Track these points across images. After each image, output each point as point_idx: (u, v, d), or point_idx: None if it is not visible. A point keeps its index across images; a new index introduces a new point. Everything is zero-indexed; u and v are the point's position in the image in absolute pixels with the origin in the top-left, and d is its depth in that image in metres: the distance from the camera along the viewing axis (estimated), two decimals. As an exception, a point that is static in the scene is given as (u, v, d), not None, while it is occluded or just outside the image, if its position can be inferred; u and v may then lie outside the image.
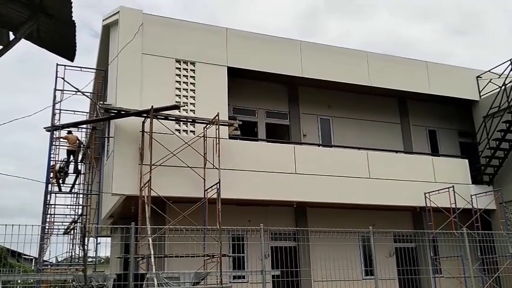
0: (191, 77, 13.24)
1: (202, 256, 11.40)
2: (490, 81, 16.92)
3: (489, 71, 17.23)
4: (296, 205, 14.20)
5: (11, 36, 4.78)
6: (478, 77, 17.48)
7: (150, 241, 10.67)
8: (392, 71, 16.23)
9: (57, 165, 14.01)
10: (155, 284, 9.46)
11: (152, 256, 10.52)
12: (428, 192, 14.81)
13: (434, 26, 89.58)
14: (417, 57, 17.31)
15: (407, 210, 15.87)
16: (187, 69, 13.26)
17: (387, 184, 14.62)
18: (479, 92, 17.37)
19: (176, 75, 13.10)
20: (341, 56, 15.57)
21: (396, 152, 16.41)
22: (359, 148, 15.36)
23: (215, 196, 11.65)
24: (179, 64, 13.22)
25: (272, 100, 15.60)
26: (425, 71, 16.75)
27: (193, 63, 13.36)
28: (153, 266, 10.38)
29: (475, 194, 15.77)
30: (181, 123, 12.77)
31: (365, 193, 14.25)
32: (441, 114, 18.02)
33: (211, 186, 11.84)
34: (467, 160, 16.43)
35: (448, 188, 14.54)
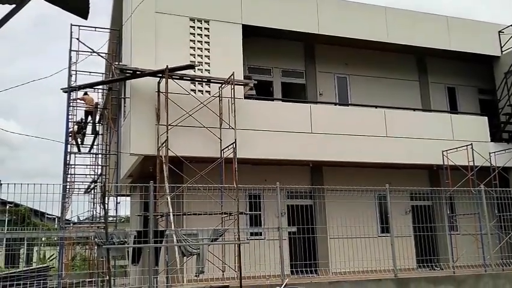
0: (205, 35, 13.07)
1: (219, 214, 11.59)
2: (512, 36, 16.40)
3: (512, 25, 16.67)
4: (312, 164, 14.23)
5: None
6: (500, 31, 16.92)
7: (169, 199, 10.87)
8: (411, 26, 15.79)
9: (75, 126, 14.16)
10: (175, 240, 9.70)
11: (171, 214, 10.74)
12: (446, 150, 14.67)
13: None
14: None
15: (424, 169, 15.82)
16: (201, 27, 13.09)
17: (405, 142, 14.50)
18: (501, 48, 16.86)
19: (191, 34, 12.94)
20: (358, 12, 15.17)
21: (414, 110, 16.18)
22: (376, 106, 15.18)
23: (231, 156, 11.73)
24: (194, 23, 13.04)
25: (288, 58, 15.37)
26: (445, 27, 16.26)
27: (207, 22, 13.15)
28: (172, 224, 10.61)
29: (494, 152, 15.59)
30: (196, 83, 12.73)
31: (381, 151, 14.17)
32: (461, 71, 17.60)
33: (228, 146, 11.90)
34: (486, 118, 16.15)
35: (466, 145, 14.37)
